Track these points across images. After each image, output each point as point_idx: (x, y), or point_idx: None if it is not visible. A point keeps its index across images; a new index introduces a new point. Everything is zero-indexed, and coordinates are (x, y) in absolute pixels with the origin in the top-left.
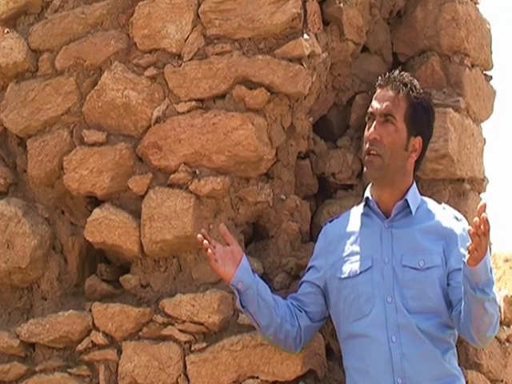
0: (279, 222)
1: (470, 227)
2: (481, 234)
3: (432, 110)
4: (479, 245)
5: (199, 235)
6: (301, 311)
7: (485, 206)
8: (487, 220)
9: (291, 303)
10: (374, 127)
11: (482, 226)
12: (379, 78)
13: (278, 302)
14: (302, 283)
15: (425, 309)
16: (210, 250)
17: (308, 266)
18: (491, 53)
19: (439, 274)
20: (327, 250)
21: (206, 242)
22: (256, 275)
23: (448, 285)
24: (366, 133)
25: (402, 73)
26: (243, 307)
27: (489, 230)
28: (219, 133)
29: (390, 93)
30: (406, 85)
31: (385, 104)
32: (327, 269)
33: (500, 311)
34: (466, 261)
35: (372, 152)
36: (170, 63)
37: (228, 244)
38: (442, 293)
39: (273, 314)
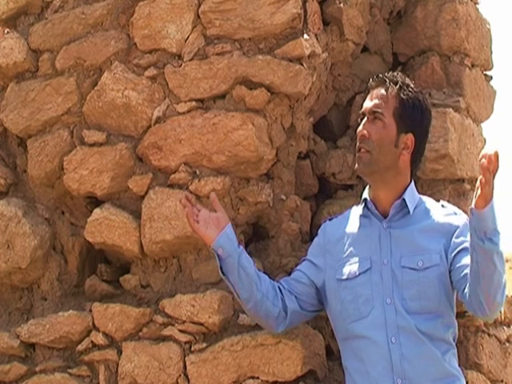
0: (279, 222)
1: (483, 160)
2: (492, 171)
3: (427, 109)
4: (489, 182)
5: (182, 196)
6: (291, 294)
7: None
8: (499, 157)
9: (281, 285)
10: (363, 125)
11: (493, 162)
12: (371, 79)
13: (261, 278)
14: (296, 271)
15: (424, 309)
16: (187, 209)
17: (304, 258)
18: (491, 53)
19: (438, 272)
20: (326, 248)
21: (184, 200)
22: (241, 247)
23: (450, 271)
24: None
25: (395, 73)
26: (223, 275)
27: (497, 169)
28: (219, 133)
29: (381, 91)
30: (396, 83)
31: (374, 102)
32: (326, 269)
33: (500, 311)
34: (473, 204)
35: (362, 150)
36: (170, 63)
37: (215, 211)
38: (443, 291)
39: (253, 288)
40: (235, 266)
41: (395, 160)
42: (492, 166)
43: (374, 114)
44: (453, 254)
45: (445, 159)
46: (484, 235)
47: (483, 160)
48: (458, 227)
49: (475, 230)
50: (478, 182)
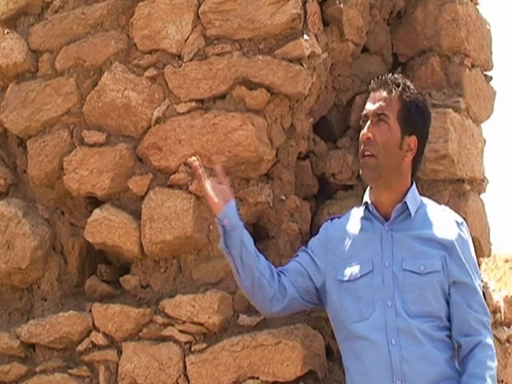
0: (279, 222)
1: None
2: None
3: (427, 111)
4: None
5: (191, 159)
6: (293, 282)
7: None
8: None
9: (282, 273)
10: (368, 127)
11: None
12: (372, 81)
13: (259, 256)
14: (297, 264)
15: (425, 313)
16: (200, 171)
17: (304, 249)
18: (491, 53)
19: (439, 278)
20: (327, 247)
21: (196, 163)
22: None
23: (449, 295)
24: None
25: (395, 74)
26: (226, 247)
27: None
28: (219, 133)
29: (383, 94)
30: (398, 85)
31: (377, 104)
32: (327, 269)
33: (500, 311)
34: None
35: (366, 153)
36: (170, 64)
37: (220, 183)
38: (443, 297)
39: (252, 266)
40: (238, 240)
41: (400, 162)
42: None
43: (378, 116)
44: (455, 279)
45: (445, 160)
46: None
47: None
48: (459, 242)
49: None
50: None
